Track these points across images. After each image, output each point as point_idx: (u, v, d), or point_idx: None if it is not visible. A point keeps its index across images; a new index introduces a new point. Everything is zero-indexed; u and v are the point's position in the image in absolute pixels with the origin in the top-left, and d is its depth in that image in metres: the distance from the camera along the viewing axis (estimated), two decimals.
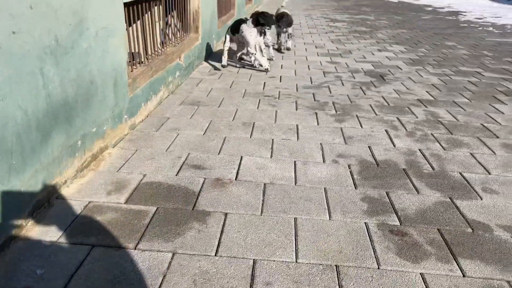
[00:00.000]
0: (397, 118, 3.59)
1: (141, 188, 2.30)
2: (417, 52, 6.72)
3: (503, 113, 3.82)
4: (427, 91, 4.45)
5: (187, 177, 2.45)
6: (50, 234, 1.86)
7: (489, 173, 2.62)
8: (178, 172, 2.50)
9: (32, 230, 1.88)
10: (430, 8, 15.56)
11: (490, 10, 15.44)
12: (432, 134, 3.24)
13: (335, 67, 5.51)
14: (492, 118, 3.68)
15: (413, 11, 14.19)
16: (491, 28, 10.15)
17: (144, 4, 3.51)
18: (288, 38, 6.49)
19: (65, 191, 2.20)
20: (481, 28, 10.21)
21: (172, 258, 1.74)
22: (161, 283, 1.59)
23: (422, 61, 6.08)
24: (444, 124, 3.46)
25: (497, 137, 3.23)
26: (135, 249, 1.79)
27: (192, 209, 2.12)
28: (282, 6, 6.67)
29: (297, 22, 10.28)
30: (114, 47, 2.71)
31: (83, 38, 2.30)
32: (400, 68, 5.54)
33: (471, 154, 2.89)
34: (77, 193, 2.21)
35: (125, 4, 2.93)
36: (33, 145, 1.91)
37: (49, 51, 1.97)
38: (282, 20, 5.95)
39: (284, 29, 6.23)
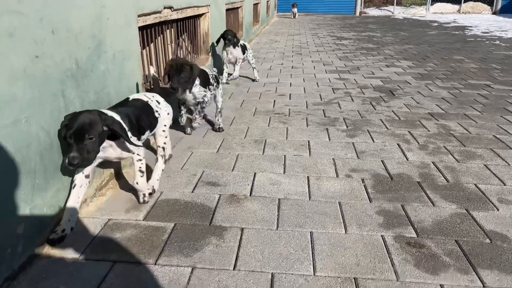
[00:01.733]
0: (409, 132, 3.60)
1: (159, 205, 2.33)
2: (425, 67, 6.76)
3: None
4: (437, 105, 4.46)
5: (203, 193, 2.48)
6: (72, 251, 1.90)
7: (505, 184, 2.61)
8: (193, 189, 2.53)
9: (55, 248, 1.92)
10: (436, 24, 15.68)
11: (496, 24, 15.50)
12: (444, 146, 3.25)
13: (343, 83, 5.56)
14: (504, 129, 3.67)
15: (419, 27, 14.31)
16: (498, 42, 10.18)
17: (157, 27, 3.62)
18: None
19: (85, 210, 2.25)
20: (488, 42, 10.25)
21: (191, 273, 1.76)
22: None
23: (431, 75, 6.10)
24: (456, 137, 3.46)
25: (511, 148, 3.22)
26: (155, 264, 1.82)
27: (209, 225, 2.15)
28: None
29: (304, 41, 10.44)
30: (129, 69, 2.80)
31: (101, 61, 2.39)
32: (409, 83, 5.57)
33: (485, 165, 2.89)
34: (97, 211, 2.25)
35: (140, 28, 3.03)
36: (56, 165, 1.97)
37: (70, 74, 2.05)
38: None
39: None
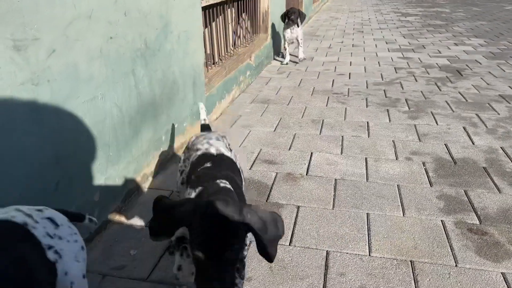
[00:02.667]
0: (476, 114, 3.41)
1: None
2: (499, 45, 6.29)
3: None
4: (510, 86, 4.17)
5: (260, 171, 2.55)
6: (141, 219, 2.06)
7: None
8: (251, 166, 2.61)
9: (126, 214, 2.09)
10: None
11: None
12: None
13: (407, 62, 5.34)
14: None
15: (494, 2, 13.21)
16: None
17: (218, 7, 3.68)
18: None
19: (152, 181, 2.41)
20: None
21: (249, 245, 1.85)
22: None
23: (505, 54, 5.68)
24: None
25: None
26: None
27: (266, 201, 2.22)
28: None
29: (366, 18, 10.06)
30: (193, 48, 2.90)
31: (168, 40, 2.50)
32: (480, 63, 5.22)
33: None
34: (162, 183, 2.41)
35: (202, 7, 3.11)
36: (126, 139, 2.12)
37: (140, 53, 2.17)
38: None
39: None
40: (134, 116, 2.16)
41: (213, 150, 1.53)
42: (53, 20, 1.52)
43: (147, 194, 2.29)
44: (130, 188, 2.20)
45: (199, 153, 1.53)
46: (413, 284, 1.61)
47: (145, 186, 2.36)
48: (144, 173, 2.33)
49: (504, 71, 4.81)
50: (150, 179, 2.42)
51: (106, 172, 1.96)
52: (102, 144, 1.90)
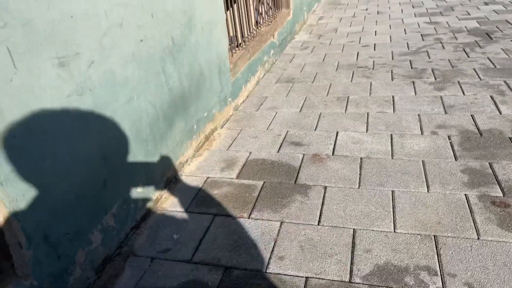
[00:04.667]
0: (505, 81, 3.36)
1: (249, 164, 2.59)
2: None
3: None
4: None
5: (287, 153, 2.68)
6: (180, 205, 2.25)
7: None
8: (279, 149, 2.74)
9: (166, 202, 2.29)
10: None
11: None
12: None
13: (434, 28, 5.22)
14: None
15: None
16: None
17: None
18: None
19: (187, 169, 2.59)
20: None
21: (280, 227, 2.01)
22: (273, 247, 1.87)
23: None
24: None
25: None
26: (249, 218, 2.09)
27: (294, 183, 2.35)
28: None
29: None
30: (216, 37, 3.00)
31: (192, 34, 2.61)
32: (510, 23, 5.03)
33: None
34: (197, 170, 2.58)
35: None
36: (162, 133, 2.29)
37: (168, 51, 2.31)
38: None
39: None
40: (166, 111, 2.32)
41: None
42: (89, 33, 1.67)
43: (184, 181, 2.48)
44: (168, 176, 2.39)
45: None
46: (436, 258, 1.72)
47: (182, 173, 2.54)
48: (179, 161, 2.51)
49: None
50: (186, 166, 2.60)
51: (146, 165, 2.15)
52: (141, 140, 2.08)
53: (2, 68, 1.27)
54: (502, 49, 4.13)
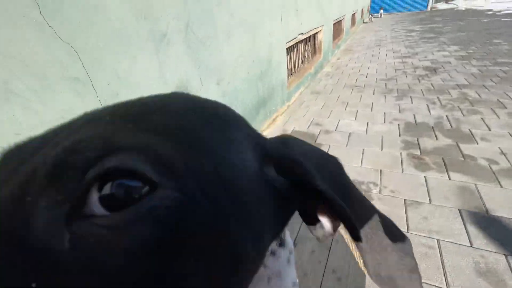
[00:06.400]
0: (437, 97, 3.31)
1: (293, 132, 2.88)
2: (468, 50, 5.36)
3: None
4: (465, 78, 3.79)
5: (312, 129, 2.92)
6: None
7: (490, 130, 2.43)
8: (308, 127, 3.02)
9: None
10: (490, 12, 11.11)
11: None
12: (458, 106, 2.96)
13: (403, 65, 5.00)
14: (507, 95, 3.05)
15: (475, 16, 10.43)
16: None
17: (294, 44, 3.99)
18: None
19: (263, 134, 3.02)
20: None
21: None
22: None
23: (469, 56, 4.90)
24: (470, 100, 3.07)
25: (506, 108, 2.78)
26: None
27: (314, 142, 2.62)
28: None
29: (384, 35, 9.09)
30: (281, 69, 3.30)
31: (270, 67, 2.96)
32: (450, 63, 4.66)
33: (481, 118, 2.64)
34: (268, 135, 2.99)
35: (286, 48, 3.48)
36: (254, 115, 2.69)
37: (259, 76, 2.70)
38: None
39: None
40: (256, 105, 2.72)
41: None
42: (228, 68, 2.12)
43: (272, 131, 2.91)
44: None
45: None
46: (379, 179, 1.97)
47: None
48: (260, 130, 2.88)
49: (465, 68, 4.27)
50: (263, 133, 3.03)
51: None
52: (246, 118, 2.54)
53: None
54: (441, 79, 3.96)
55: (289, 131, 2.98)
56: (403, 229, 1.52)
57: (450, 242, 1.45)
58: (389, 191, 1.86)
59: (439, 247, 1.43)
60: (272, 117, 3.19)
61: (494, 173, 1.89)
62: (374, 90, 3.90)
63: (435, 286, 1.26)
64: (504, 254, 1.35)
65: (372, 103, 3.44)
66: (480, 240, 1.44)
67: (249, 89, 2.51)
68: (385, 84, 4.11)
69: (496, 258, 1.34)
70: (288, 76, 3.76)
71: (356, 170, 2.14)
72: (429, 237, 1.49)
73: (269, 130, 3.07)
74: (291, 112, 3.46)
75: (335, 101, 3.68)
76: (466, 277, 1.28)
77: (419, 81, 4.00)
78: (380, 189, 1.88)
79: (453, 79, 3.87)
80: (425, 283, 1.27)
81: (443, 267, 1.34)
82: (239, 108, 2.36)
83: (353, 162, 2.24)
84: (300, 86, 4.18)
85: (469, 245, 1.42)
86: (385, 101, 3.44)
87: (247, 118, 2.57)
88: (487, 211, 1.61)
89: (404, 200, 1.76)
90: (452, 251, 1.40)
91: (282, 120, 3.28)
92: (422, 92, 3.58)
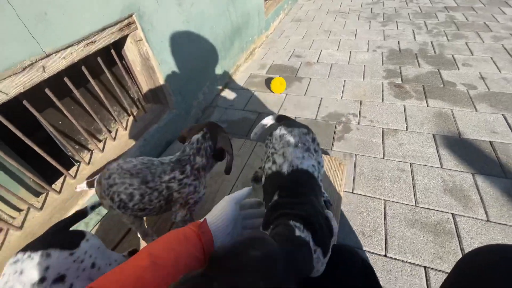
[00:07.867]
0: (424, 21, 3.09)
1: (272, 66, 2.70)
2: None
3: (505, 13, 2.97)
4: (454, 0, 3.51)
5: (293, 61, 2.74)
6: (237, 86, 2.50)
7: (472, 54, 2.35)
8: (289, 59, 2.81)
9: (230, 84, 2.54)
10: None
11: None
12: (444, 31, 2.80)
13: None
14: (495, 18, 2.90)
15: None
16: None
17: None
18: None
19: (240, 69, 2.76)
20: None
21: (285, 97, 2.26)
22: (281, 105, 2.14)
23: None
24: (456, 24, 2.89)
25: (492, 31, 2.65)
26: (270, 92, 2.34)
27: (295, 76, 2.50)
28: None
29: None
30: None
31: None
32: None
33: (466, 43, 2.53)
34: (245, 69, 2.74)
35: None
36: (228, 48, 2.42)
37: (231, 1, 2.30)
38: None
39: None
40: (230, 35, 2.42)
41: (285, 168, 0.69)
42: None
43: (239, 75, 2.68)
44: (230, 73, 2.59)
45: (271, 166, 0.72)
46: (358, 110, 1.94)
47: (237, 71, 2.74)
48: (237, 64, 2.68)
49: None
50: (240, 67, 2.78)
51: (222, 63, 2.35)
52: (218, 50, 2.25)
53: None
54: (429, 1, 3.62)
55: (268, 65, 2.75)
56: (379, 156, 1.55)
57: (422, 165, 1.50)
58: (368, 120, 1.84)
59: (411, 170, 1.48)
60: (249, 49, 2.91)
61: (471, 98, 1.89)
62: (359, 16, 3.57)
63: (405, 203, 1.34)
64: (471, 173, 1.43)
65: (356, 30, 3.18)
66: (450, 161, 1.50)
67: (219, 14, 2.16)
68: (371, 8, 3.74)
69: (463, 176, 1.42)
70: (265, 0, 3.26)
71: (336, 102, 2.07)
72: (403, 162, 1.53)
73: (246, 64, 2.82)
74: (270, 43, 3.18)
75: (317, 29, 3.38)
76: (433, 194, 1.37)
77: (407, 4, 3.67)
78: (359, 119, 1.86)
79: (442, 1, 3.57)
80: (397, 202, 1.35)
81: (414, 186, 1.41)
82: (209, 38, 2.07)
83: (334, 95, 2.15)
84: (279, 12, 3.72)
85: (439, 166, 1.48)
86: (369, 28, 3.17)
87: (220, 50, 2.31)
88: (459, 134, 1.64)
89: (382, 128, 1.77)
90: (423, 173, 1.46)
91: (260, 53, 3.01)
92: (409, 16, 3.32)
